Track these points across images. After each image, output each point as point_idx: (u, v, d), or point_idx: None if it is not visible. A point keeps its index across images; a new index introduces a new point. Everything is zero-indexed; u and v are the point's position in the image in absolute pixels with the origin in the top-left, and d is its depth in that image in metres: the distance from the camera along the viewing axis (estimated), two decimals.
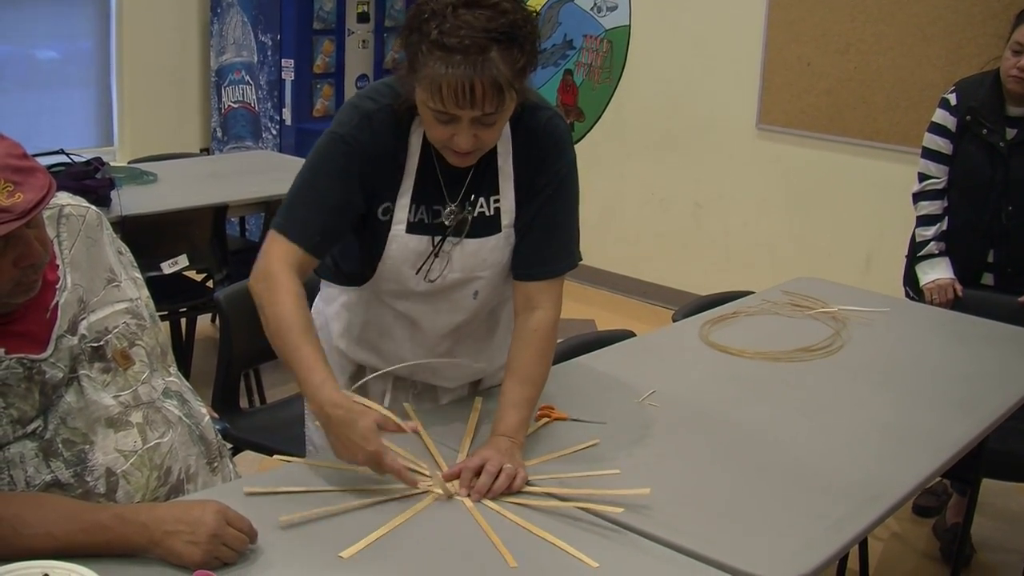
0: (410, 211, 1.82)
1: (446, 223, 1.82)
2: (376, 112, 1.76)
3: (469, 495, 1.63)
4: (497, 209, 1.85)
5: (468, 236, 1.84)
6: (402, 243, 1.82)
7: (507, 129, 1.80)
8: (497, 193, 1.84)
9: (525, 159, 1.83)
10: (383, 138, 1.77)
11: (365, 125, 1.76)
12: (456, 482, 1.65)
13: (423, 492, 1.64)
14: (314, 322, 2.03)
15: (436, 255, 1.83)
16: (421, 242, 1.83)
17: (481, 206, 1.84)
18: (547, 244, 1.86)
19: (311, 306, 2.09)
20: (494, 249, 1.86)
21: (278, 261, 1.74)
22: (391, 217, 1.82)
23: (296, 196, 1.80)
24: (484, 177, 1.83)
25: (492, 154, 1.81)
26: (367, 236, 1.85)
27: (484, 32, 1.56)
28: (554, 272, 1.87)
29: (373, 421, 1.59)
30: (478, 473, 1.64)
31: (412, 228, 1.82)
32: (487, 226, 1.85)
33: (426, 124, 1.71)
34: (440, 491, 1.64)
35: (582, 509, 1.61)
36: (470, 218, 1.83)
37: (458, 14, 1.57)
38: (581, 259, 1.93)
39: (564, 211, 1.87)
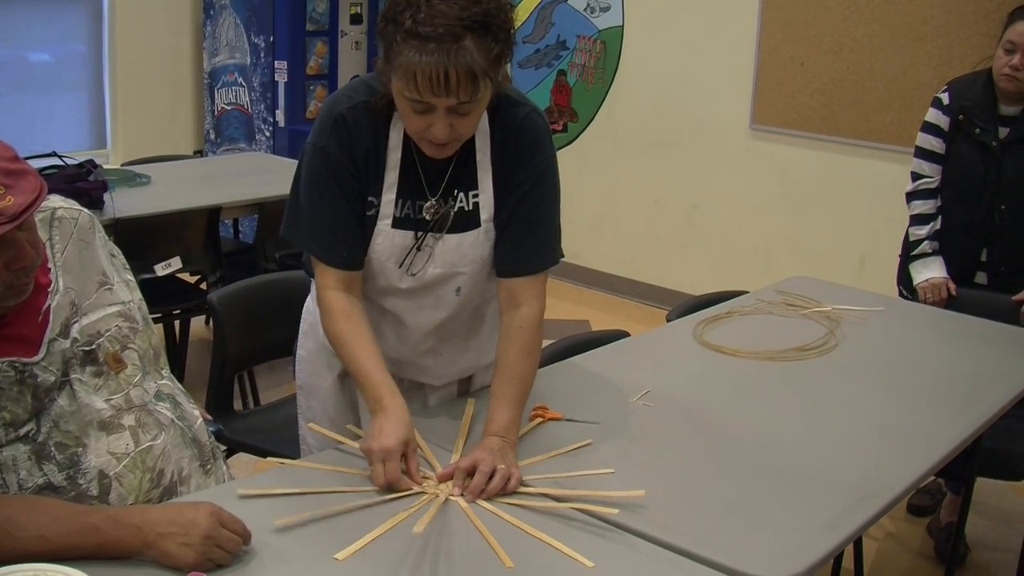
0: (395, 206, 1.83)
1: (427, 218, 1.83)
2: (350, 111, 1.78)
3: (463, 496, 1.63)
4: (476, 204, 1.85)
5: (448, 231, 1.85)
6: (387, 238, 1.83)
7: (485, 124, 1.81)
8: (476, 188, 1.85)
9: (503, 154, 1.84)
10: (360, 135, 1.78)
11: (341, 129, 1.78)
12: (450, 483, 1.65)
13: (418, 493, 1.64)
14: (309, 322, 2.05)
15: (418, 249, 1.84)
16: (406, 237, 1.84)
17: (460, 201, 1.84)
18: (528, 240, 1.86)
19: (305, 306, 2.09)
20: (474, 244, 1.86)
21: (324, 288, 1.84)
22: (376, 212, 1.83)
23: (310, 217, 1.83)
24: (464, 172, 1.84)
25: (471, 149, 1.82)
26: None
27: (458, 20, 1.57)
28: (536, 268, 1.87)
29: (407, 435, 1.66)
30: (471, 474, 1.64)
31: (397, 223, 1.83)
32: (467, 221, 1.86)
33: (403, 115, 1.72)
34: (435, 492, 1.64)
35: (577, 509, 1.61)
36: (451, 213, 1.84)
37: (432, 4, 1.58)
38: (563, 256, 1.93)
39: (543, 207, 1.87)
